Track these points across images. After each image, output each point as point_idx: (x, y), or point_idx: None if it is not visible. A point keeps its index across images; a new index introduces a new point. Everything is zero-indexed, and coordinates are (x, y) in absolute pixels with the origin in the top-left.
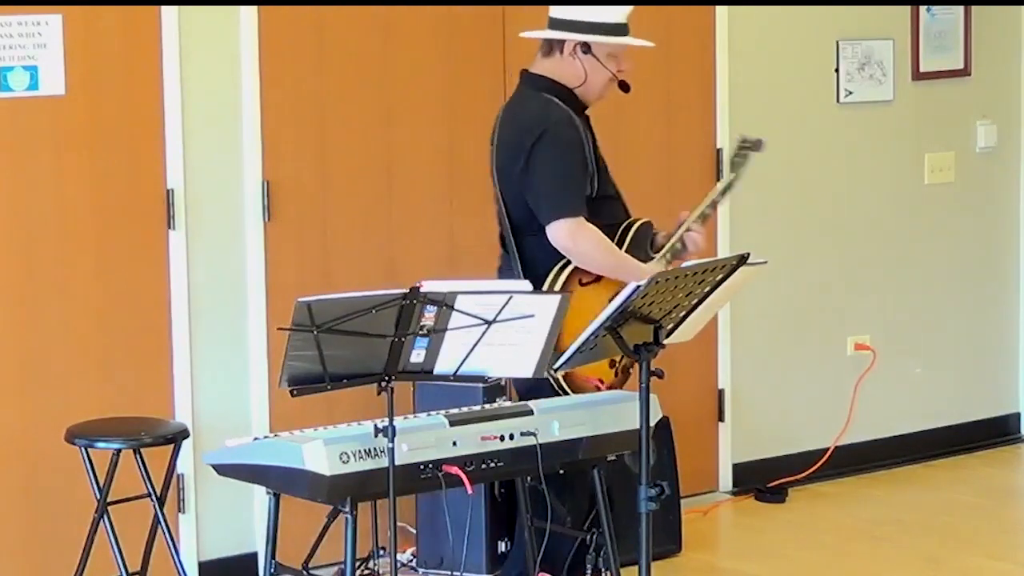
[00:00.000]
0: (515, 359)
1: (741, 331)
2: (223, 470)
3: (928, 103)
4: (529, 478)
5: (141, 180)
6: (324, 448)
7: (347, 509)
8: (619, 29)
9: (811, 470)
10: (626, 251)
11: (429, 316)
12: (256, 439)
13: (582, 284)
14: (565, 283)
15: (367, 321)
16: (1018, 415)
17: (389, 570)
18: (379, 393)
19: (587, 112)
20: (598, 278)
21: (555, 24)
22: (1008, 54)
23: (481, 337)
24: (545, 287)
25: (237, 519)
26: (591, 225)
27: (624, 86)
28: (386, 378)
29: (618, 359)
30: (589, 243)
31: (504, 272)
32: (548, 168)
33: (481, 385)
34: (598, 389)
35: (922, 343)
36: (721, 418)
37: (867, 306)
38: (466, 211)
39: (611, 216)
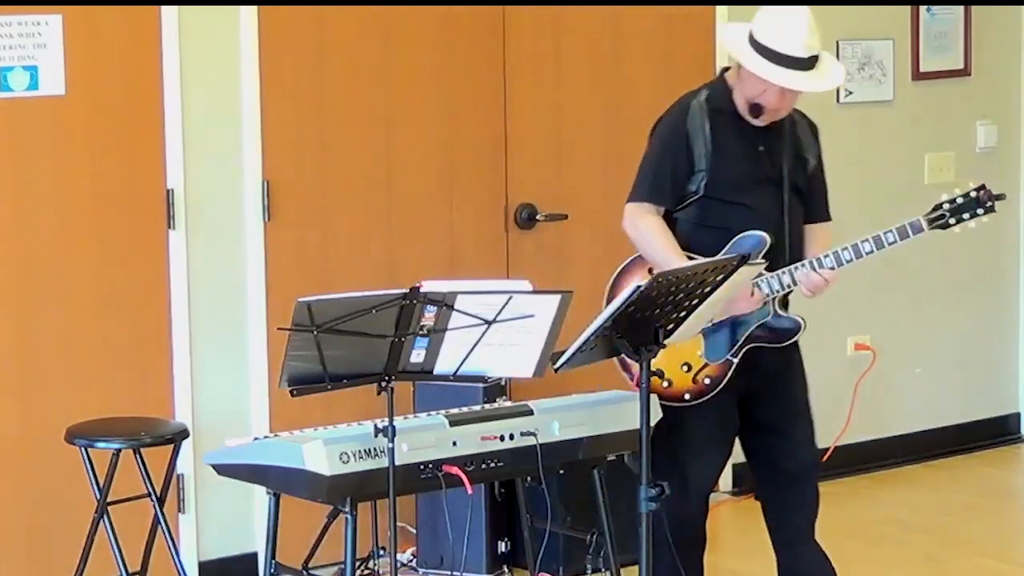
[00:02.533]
0: (515, 359)
1: None
2: (223, 470)
3: (928, 103)
4: (529, 478)
5: (141, 180)
6: (324, 448)
7: (347, 509)
8: (773, 55)
9: None
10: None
11: (429, 316)
12: (256, 439)
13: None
14: (629, 266)
15: (367, 321)
16: (1018, 415)
17: (389, 570)
18: (379, 393)
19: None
20: None
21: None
22: (1008, 54)
23: (481, 337)
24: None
25: (237, 519)
26: (651, 216)
27: (755, 109)
28: (386, 378)
29: (696, 367)
30: (637, 231)
31: None
32: (644, 156)
33: (481, 385)
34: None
35: (922, 343)
36: None
37: (867, 306)
38: (466, 211)
39: (729, 222)
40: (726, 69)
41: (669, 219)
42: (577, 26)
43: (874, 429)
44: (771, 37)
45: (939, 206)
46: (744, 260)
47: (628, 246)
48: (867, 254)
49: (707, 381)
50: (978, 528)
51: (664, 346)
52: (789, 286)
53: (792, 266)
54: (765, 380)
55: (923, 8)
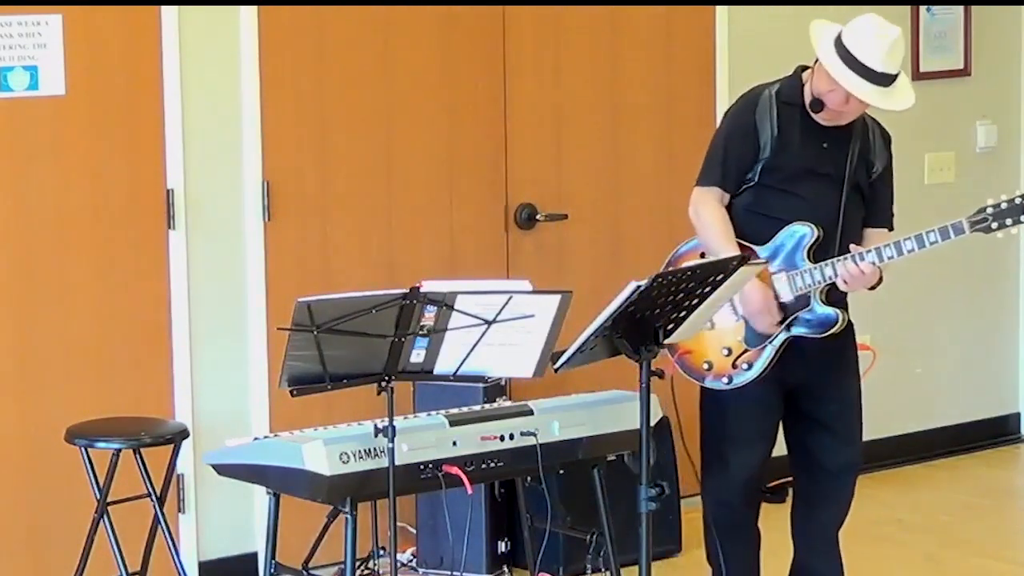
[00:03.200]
0: (515, 359)
1: None
2: (223, 470)
3: (928, 103)
4: (529, 478)
5: (141, 180)
6: (324, 448)
7: (347, 509)
8: (851, 60)
9: None
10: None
11: (429, 316)
12: (256, 439)
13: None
14: (686, 251)
15: (367, 321)
16: (1018, 415)
17: (389, 570)
18: (379, 393)
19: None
20: None
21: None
22: (1008, 54)
23: (481, 337)
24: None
25: (237, 519)
26: (712, 201)
27: (816, 104)
28: (386, 378)
29: (736, 351)
30: (699, 219)
31: None
32: (712, 141)
33: (481, 385)
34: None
35: (922, 343)
36: None
37: (867, 306)
38: (466, 211)
39: (780, 211)
40: (804, 68)
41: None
42: (577, 26)
43: (874, 429)
44: (855, 43)
45: (983, 209)
46: (744, 260)
47: (628, 246)
48: (909, 252)
49: (745, 366)
50: (978, 528)
51: (664, 346)
52: (830, 278)
53: (834, 259)
54: (814, 373)
55: (923, 8)
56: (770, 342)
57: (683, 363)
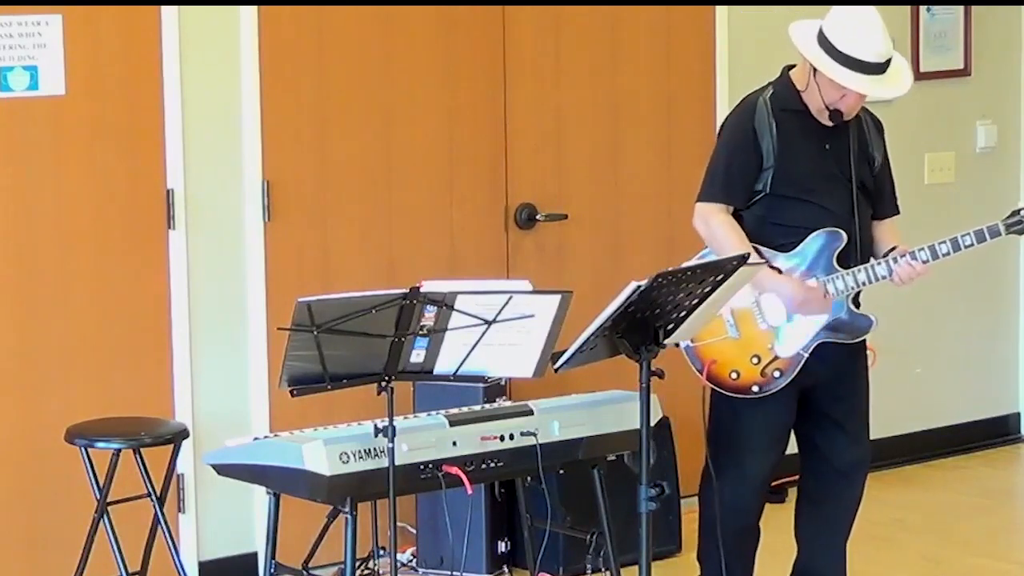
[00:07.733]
0: (515, 359)
1: None
2: (223, 470)
3: (928, 103)
4: (529, 478)
5: (141, 180)
6: (324, 448)
7: (347, 509)
8: (854, 63)
9: None
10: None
11: (429, 316)
12: (256, 439)
13: None
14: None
15: (367, 321)
16: (1018, 415)
17: (389, 570)
18: (379, 393)
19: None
20: None
21: (822, 30)
22: (1008, 54)
23: (481, 337)
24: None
25: (237, 519)
26: (720, 215)
27: (836, 115)
28: (386, 378)
29: (765, 359)
30: (709, 229)
31: None
32: (712, 155)
33: (481, 385)
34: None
35: (922, 343)
36: None
37: (867, 306)
38: (466, 211)
39: (797, 219)
40: (790, 67)
41: (735, 217)
42: (577, 26)
43: (874, 429)
44: (850, 43)
45: (1017, 211)
46: (744, 260)
47: (628, 246)
48: (944, 255)
49: (776, 374)
50: (978, 528)
51: (664, 346)
52: (864, 283)
53: (870, 263)
54: (831, 374)
55: (923, 8)
56: (802, 349)
57: (708, 373)
